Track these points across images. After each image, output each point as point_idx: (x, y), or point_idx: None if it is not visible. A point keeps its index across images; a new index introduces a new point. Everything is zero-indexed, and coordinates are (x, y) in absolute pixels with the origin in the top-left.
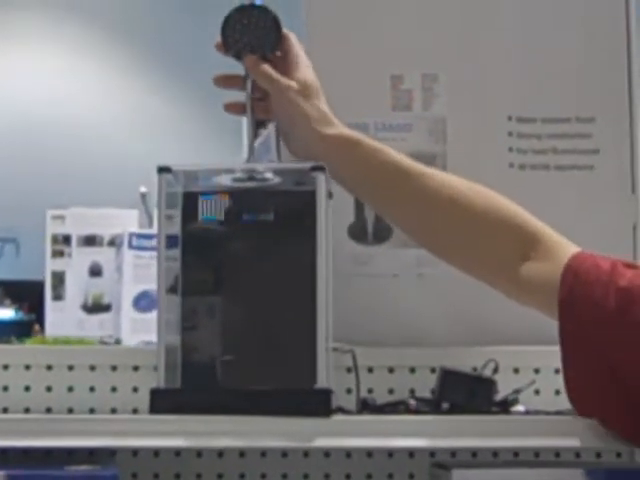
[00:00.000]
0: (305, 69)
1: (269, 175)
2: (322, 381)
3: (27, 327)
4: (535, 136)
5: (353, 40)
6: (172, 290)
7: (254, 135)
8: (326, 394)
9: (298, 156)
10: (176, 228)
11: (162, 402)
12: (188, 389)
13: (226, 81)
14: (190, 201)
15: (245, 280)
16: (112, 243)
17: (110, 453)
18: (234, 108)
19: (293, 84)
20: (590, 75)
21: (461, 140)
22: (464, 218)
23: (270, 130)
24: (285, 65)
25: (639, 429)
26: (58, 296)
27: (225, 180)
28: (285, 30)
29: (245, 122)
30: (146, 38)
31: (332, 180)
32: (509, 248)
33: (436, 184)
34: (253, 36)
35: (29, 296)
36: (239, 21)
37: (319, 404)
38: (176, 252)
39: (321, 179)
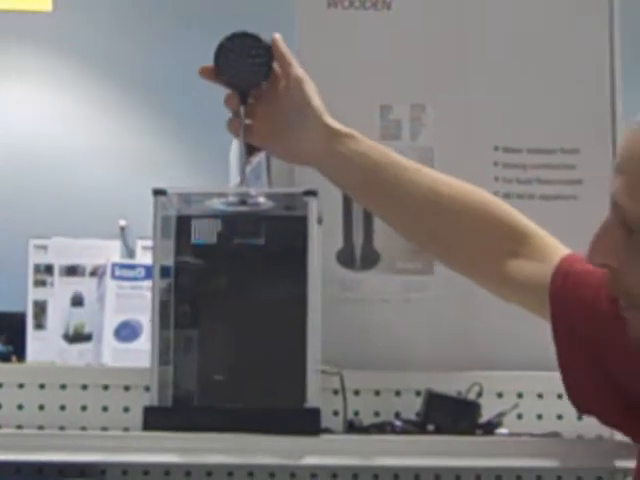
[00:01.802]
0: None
1: (261, 199)
2: (312, 400)
3: (5, 358)
4: (520, 166)
5: (343, 71)
6: (164, 316)
7: (246, 160)
8: (315, 413)
9: (295, 153)
10: (169, 259)
11: (154, 420)
12: (180, 407)
13: (228, 100)
14: (183, 224)
15: (236, 303)
16: (94, 273)
17: (100, 472)
18: (234, 128)
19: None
20: (574, 107)
21: (448, 169)
22: (453, 214)
23: (260, 157)
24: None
25: (636, 425)
26: (40, 325)
27: (217, 204)
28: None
29: (232, 152)
30: (128, 73)
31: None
32: (498, 245)
33: (428, 179)
34: (246, 64)
35: (7, 327)
36: (231, 50)
37: (308, 423)
38: (168, 281)
39: (313, 203)
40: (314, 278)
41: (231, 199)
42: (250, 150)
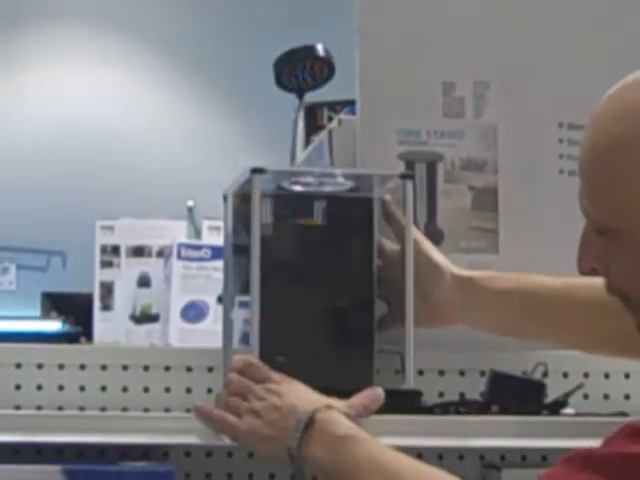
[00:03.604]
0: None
1: (340, 180)
2: (409, 382)
3: (74, 339)
4: None
5: (405, 48)
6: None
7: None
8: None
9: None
10: (243, 238)
11: None
12: None
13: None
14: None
15: (311, 284)
16: (160, 254)
17: (163, 454)
18: None
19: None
20: None
21: (512, 147)
22: (604, 314)
23: (323, 137)
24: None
25: None
26: (106, 306)
27: (290, 184)
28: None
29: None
30: (195, 55)
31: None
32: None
33: (557, 286)
34: (304, 76)
35: (75, 308)
36: (293, 61)
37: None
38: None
39: (409, 187)
40: None
41: (309, 180)
42: (310, 130)
